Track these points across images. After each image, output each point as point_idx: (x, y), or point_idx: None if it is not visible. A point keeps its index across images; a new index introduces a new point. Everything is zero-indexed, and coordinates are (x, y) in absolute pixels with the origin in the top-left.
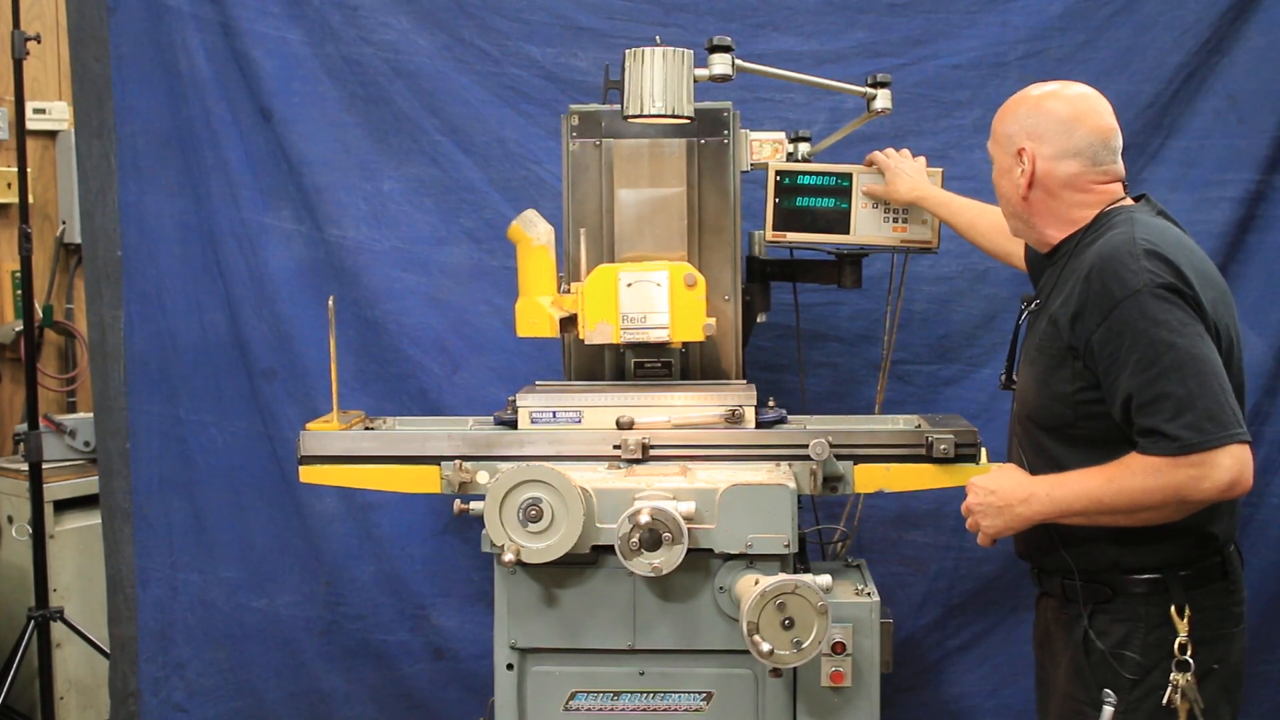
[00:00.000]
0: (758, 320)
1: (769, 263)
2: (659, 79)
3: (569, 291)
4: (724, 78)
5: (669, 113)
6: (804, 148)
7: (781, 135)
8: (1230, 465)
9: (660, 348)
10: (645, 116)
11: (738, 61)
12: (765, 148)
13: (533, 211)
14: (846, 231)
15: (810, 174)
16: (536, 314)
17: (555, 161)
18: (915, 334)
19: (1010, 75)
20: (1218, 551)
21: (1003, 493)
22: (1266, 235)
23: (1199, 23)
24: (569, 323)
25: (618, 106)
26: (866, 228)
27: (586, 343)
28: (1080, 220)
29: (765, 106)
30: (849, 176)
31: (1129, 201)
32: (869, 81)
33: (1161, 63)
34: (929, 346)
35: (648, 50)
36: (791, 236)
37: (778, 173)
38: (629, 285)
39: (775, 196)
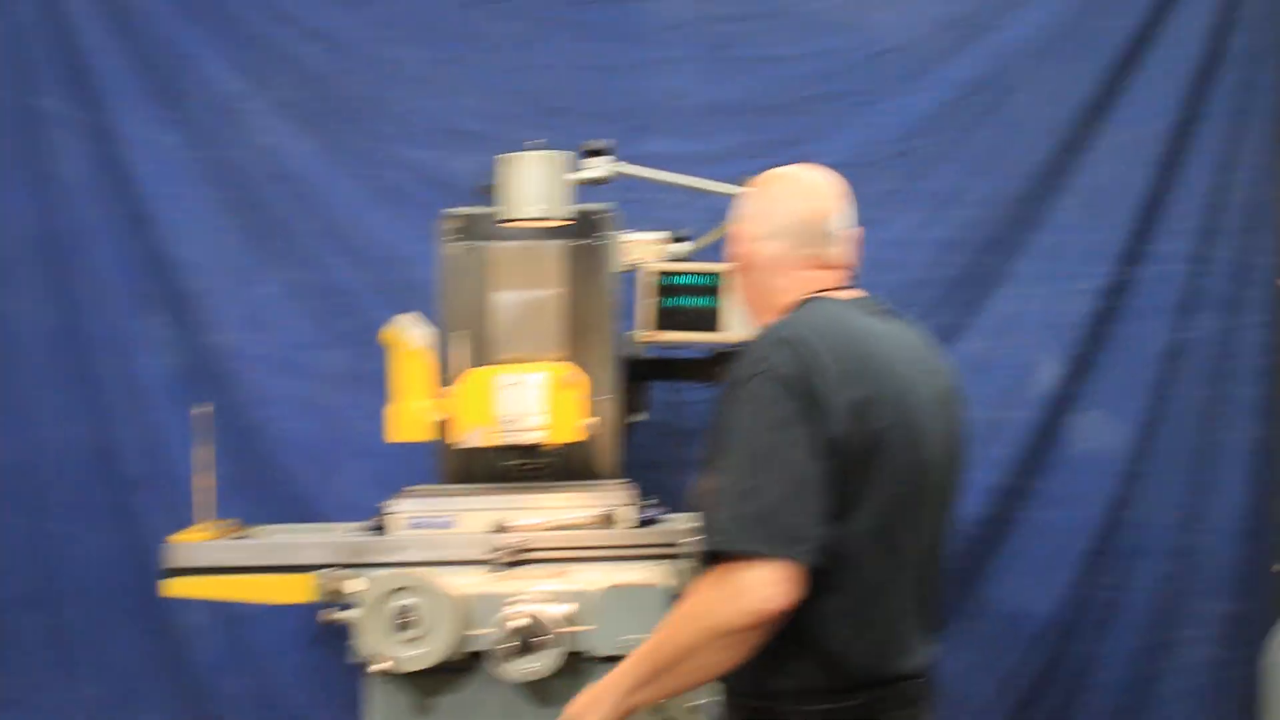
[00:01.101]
0: (635, 419)
1: (645, 362)
2: (534, 182)
3: (444, 394)
4: (601, 180)
5: (544, 216)
6: (679, 248)
7: (662, 235)
8: (758, 583)
9: (537, 449)
10: (521, 220)
11: (615, 164)
12: (645, 247)
13: (411, 315)
14: (717, 329)
15: (689, 273)
16: (411, 417)
17: (432, 264)
18: None
19: (881, 174)
20: (860, 687)
21: (569, 712)
22: (1126, 325)
23: (1060, 122)
24: (444, 426)
25: (494, 210)
26: (736, 325)
27: (461, 447)
28: (782, 307)
29: (644, 206)
30: (718, 275)
31: (840, 294)
32: (745, 182)
33: (1025, 159)
34: None
35: (523, 154)
36: (668, 335)
37: (661, 272)
38: (506, 387)
39: (657, 295)
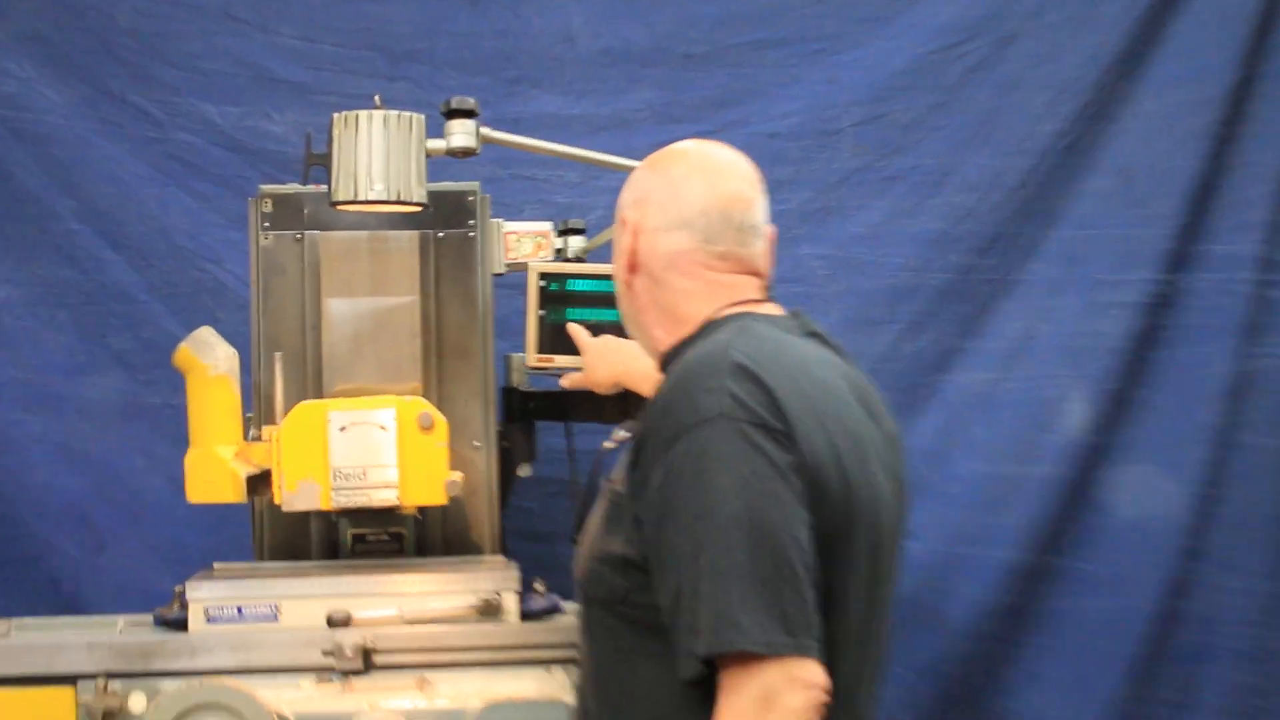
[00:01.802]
0: (519, 473)
1: (532, 396)
2: (379, 153)
3: (260, 438)
4: (467, 151)
5: (393, 197)
6: (577, 242)
7: (547, 226)
8: (799, 686)
9: (387, 514)
10: (362, 203)
11: (485, 130)
12: (525, 243)
13: (208, 330)
14: None
15: (584, 278)
16: (214, 470)
17: (241, 261)
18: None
19: (844, 146)
20: None
21: None
22: (1175, 350)
23: (1078, 81)
24: (260, 482)
25: (324, 188)
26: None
27: (284, 510)
28: (688, 320)
29: (525, 187)
30: None
31: (766, 308)
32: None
33: (1033, 131)
34: None
35: (364, 114)
36: (561, 360)
37: (541, 276)
38: (343, 429)
39: (540, 308)
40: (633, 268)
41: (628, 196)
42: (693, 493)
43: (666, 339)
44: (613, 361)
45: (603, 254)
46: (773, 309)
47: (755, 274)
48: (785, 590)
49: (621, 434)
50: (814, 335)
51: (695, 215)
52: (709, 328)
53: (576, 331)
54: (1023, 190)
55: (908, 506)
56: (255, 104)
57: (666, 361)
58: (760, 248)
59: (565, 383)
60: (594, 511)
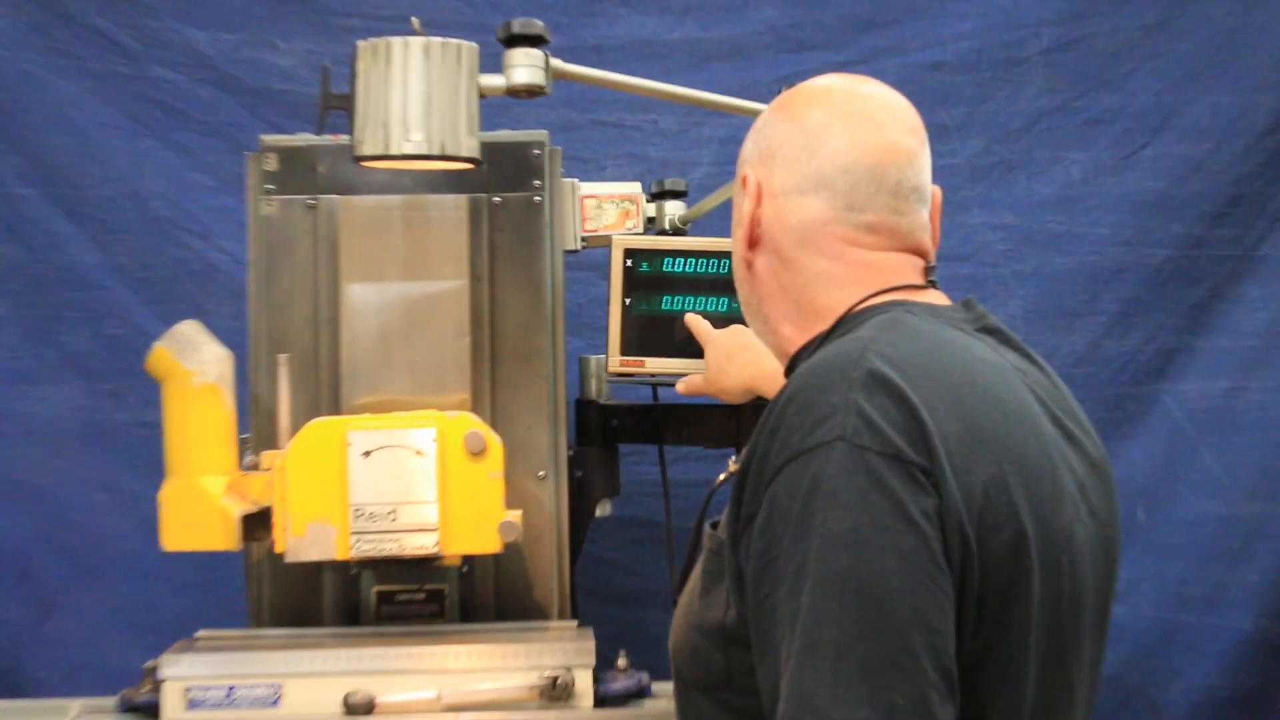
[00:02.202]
0: (597, 513)
1: (615, 411)
2: (418, 93)
3: (259, 467)
4: (533, 90)
5: (436, 151)
6: (675, 208)
7: (636, 188)
8: None
9: (423, 567)
10: (395, 158)
11: (556, 62)
12: (608, 209)
13: (193, 325)
14: None
15: (685, 255)
16: (198, 509)
17: (236, 235)
18: None
19: (1031, 80)
20: None
21: None
22: None
23: None
24: (258, 524)
25: (346, 139)
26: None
27: (289, 560)
28: (824, 312)
29: (609, 137)
30: None
31: (927, 296)
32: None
33: None
34: None
35: (399, 42)
36: (654, 364)
37: (628, 254)
38: (367, 454)
39: (626, 295)
40: (753, 242)
41: (750, 149)
42: (795, 539)
43: (797, 336)
44: (746, 360)
45: (711, 224)
46: (936, 297)
47: (915, 251)
48: (897, 679)
49: (735, 463)
50: (991, 332)
51: (836, 174)
52: (849, 321)
53: (697, 323)
54: (1273, 137)
55: (1117, 559)
56: (256, 29)
57: (795, 366)
58: (922, 217)
59: (683, 388)
60: (696, 566)
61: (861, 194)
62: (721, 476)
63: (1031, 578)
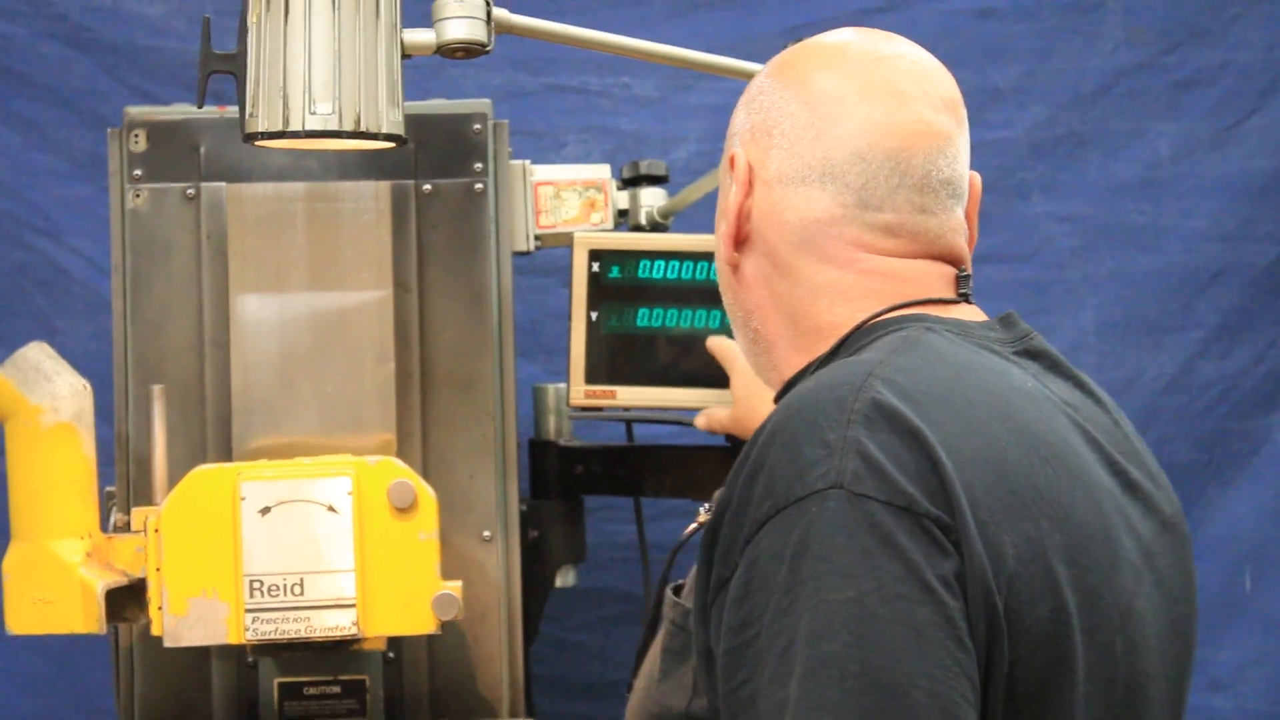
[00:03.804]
0: (557, 583)
1: (580, 454)
2: (325, 52)
3: (128, 527)
4: (471, 47)
5: (349, 127)
6: (654, 197)
7: (604, 172)
8: None
9: (339, 653)
10: (297, 135)
11: (500, 12)
12: (569, 199)
13: (40, 348)
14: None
15: (665, 257)
16: (53, 581)
17: (95, 233)
18: None
19: (1106, 31)
20: None
21: None
22: None
23: None
24: (128, 601)
25: (233, 111)
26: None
27: (168, 645)
28: (827, 330)
29: (569, 107)
30: None
31: (957, 311)
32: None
33: None
34: None
35: None
36: (628, 395)
37: (595, 255)
38: (265, 511)
39: (592, 307)
40: (741, 241)
41: (741, 121)
42: (780, 613)
43: (794, 359)
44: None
45: (699, 218)
46: (969, 313)
47: (945, 258)
48: None
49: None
50: (1035, 356)
51: (848, 161)
52: (854, 340)
53: (721, 347)
54: None
55: (1193, 641)
56: None
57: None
58: (956, 216)
59: (704, 423)
60: (655, 642)
61: (879, 187)
62: (690, 528)
63: (1076, 662)
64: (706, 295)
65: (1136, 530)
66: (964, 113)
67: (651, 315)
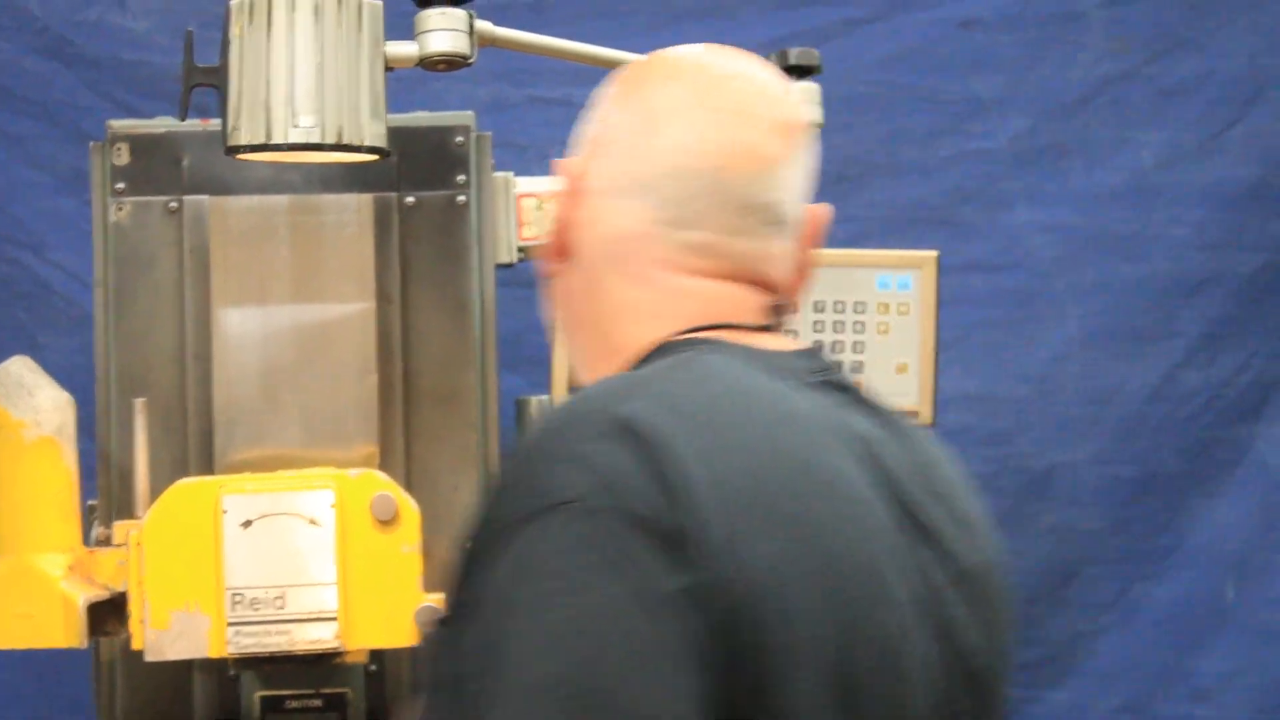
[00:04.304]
0: None
1: None
2: (308, 65)
3: (109, 541)
4: (456, 60)
5: (332, 140)
6: None
7: None
8: None
9: (321, 666)
10: (279, 148)
11: (483, 24)
12: (552, 211)
13: (22, 362)
14: None
15: None
16: (35, 595)
17: (75, 245)
18: None
19: (1090, 39)
20: None
21: None
22: None
23: None
24: (109, 614)
25: (216, 124)
26: None
27: (150, 660)
28: (624, 348)
29: (552, 119)
30: None
31: (759, 339)
32: (776, 64)
33: None
34: None
35: (282, 1)
36: None
37: None
38: (246, 524)
39: None
40: (564, 252)
41: (581, 130)
42: (493, 634)
43: (600, 374)
44: None
45: None
46: (773, 341)
47: (759, 283)
48: None
49: None
50: (837, 388)
51: (665, 177)
52: (647, 360)
53: None
54: None
55: (995, 693)
56: None
57: None
58: (774, 245)
59: None
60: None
61: (693, 206)
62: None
63: (825, 693)
64: None
65: (923, 575)
66: (804, 140)
67: None
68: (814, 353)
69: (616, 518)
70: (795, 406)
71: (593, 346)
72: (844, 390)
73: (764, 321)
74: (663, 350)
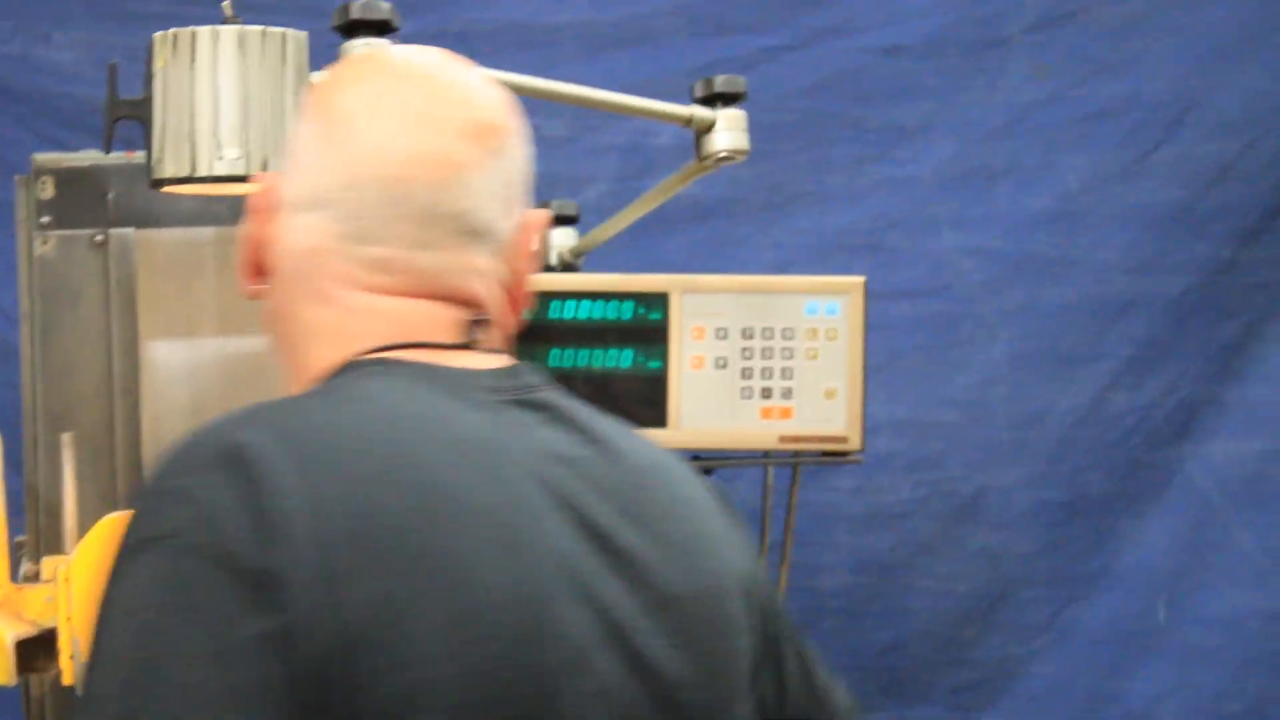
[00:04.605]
0: None
1: None
2: (233, 97)
3: (37, 578)
4: None
5: (259, 172)
6: (563, 239)
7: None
8: None
9: None
10: (205, 181)
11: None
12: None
13: None
14: (662, 421)
15: (577, 297)
16: None
17: (1, 280)
18: (838, 640)
19: (1013, 65)
20: None
21: None
22: None
23: None
24: (38, 651)
25: (141, 156)
26: (707, 412)
27: (81, 693)
28: (306, 371)
29: None
30: (662, 301)
31: (449, 358)
32: (696, 93)
33: None
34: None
35: (206, 32)
36: None
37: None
38: None
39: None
40: (259, 270)
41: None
42: (88, 671)
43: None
44: None
45: (610, 257)
46: (470, 359)
47: (453, 299)
48: None
49: None
50: (536, 407)
51: (339, 189)
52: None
53: None
54: None
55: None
56: (24, 14)
57: None
58: (469, 258)
59: None
60: None
61: (373, 218)
62: None
63: None
64: (618, 334)
65: (605, 603)
66: (504, 143)
67: (562, 355)
68: (514, 370)
69: (203, 557)
70: (458, 430)
71: (290, 369)
72: (542, 409)
73: (459, 339)
74: (342, 371)
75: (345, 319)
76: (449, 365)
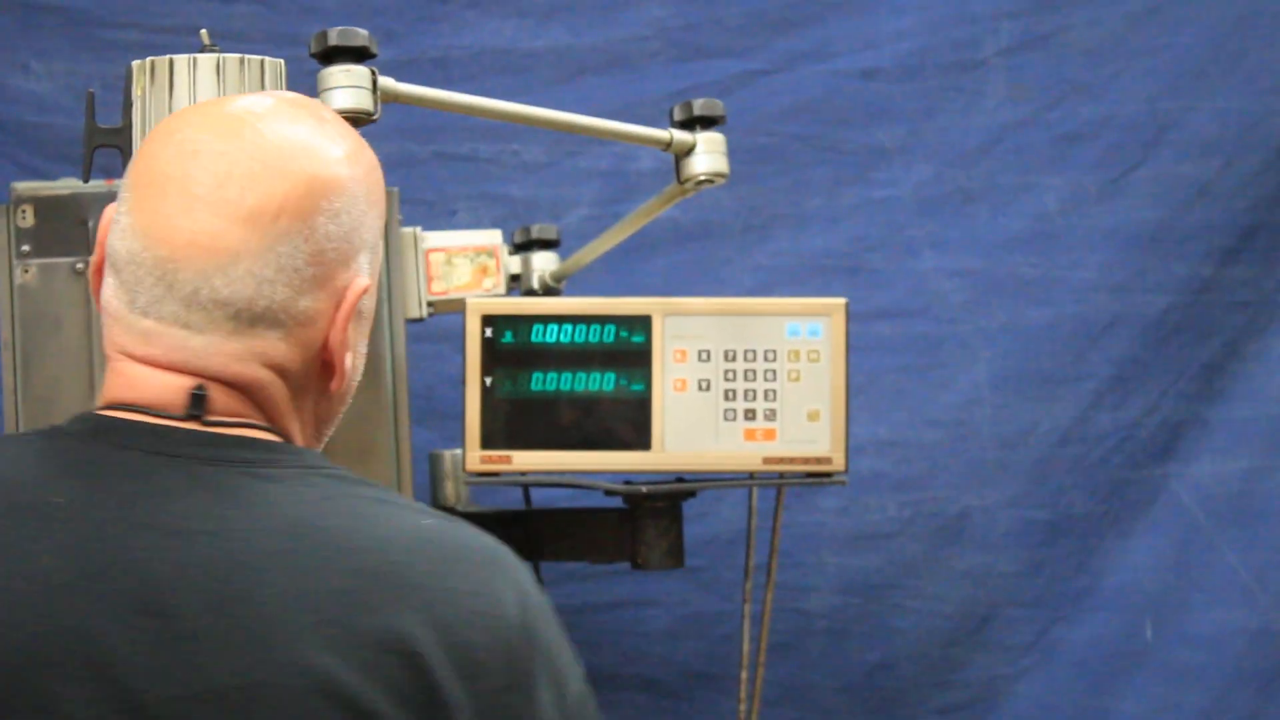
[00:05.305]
0: None
1: (478, 520)
2: None
3: None
4: (359, 116)
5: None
6: (545, 261)
7: (496, 237)
8: None
9: None
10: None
11: (386, 81)
12: (460, 265)
13: None
14: (646, 444)
15: (559, 320)
16: None
17: None
18: (825, 662)
19: (990, 87)
20: None
21: None
22: None
23: None
24: None
25: (120, 184)
26: (691, 434)
27: None
28: None
29: (459, 174)
30: (645, 323)
31: (143, 419)
32: (675, 117)
33: None
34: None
35: (183, 61)
36: (524, 460)
37: (488, 320)
38: None
39: (485, 373)
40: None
41: None
42: None
43: None
44: None
45: (592, 281)
46: (188, 425)
47: (213, 379)
48: None
49: None
50: (196, 478)
51: (124, 257)
52: None
53: None
54: None
55: None
56: (2, 44)
57: None
58: (243, 340)
59: None
60: None
61: (146, 293)
62: None
63: None
64: (600, 358)
65: (126, 684)
66: (285, 225)
67: (545, 379)
68: (243, 442)
69: None
70: (55, 495)
71: None
72: (201, 482)
73: (180, 409)
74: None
75: (109, 382)
76: (130, 422)
